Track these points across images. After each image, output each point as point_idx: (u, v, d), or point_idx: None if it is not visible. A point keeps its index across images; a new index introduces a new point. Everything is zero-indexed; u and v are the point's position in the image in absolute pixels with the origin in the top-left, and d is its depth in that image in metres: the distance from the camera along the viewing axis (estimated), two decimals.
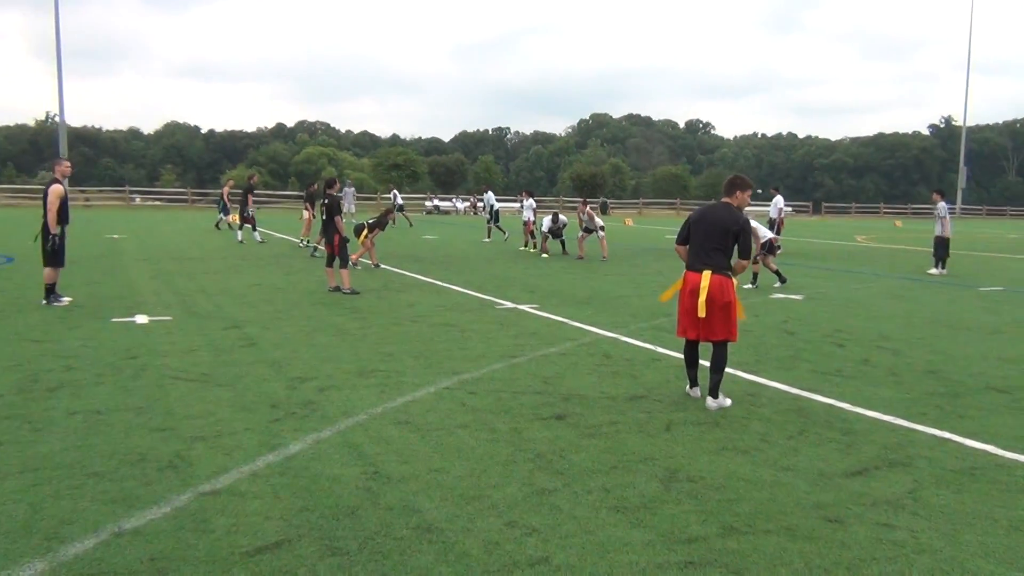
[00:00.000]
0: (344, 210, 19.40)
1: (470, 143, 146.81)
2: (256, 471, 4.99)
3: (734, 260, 6.77)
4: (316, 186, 24.46)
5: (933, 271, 18.83)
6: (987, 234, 43.95)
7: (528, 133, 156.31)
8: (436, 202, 60.14)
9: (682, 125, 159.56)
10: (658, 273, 17.92)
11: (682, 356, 7.24)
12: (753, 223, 15.22)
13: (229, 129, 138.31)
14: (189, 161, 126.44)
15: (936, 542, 4.19)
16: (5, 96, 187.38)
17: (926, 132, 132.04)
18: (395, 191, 30.64)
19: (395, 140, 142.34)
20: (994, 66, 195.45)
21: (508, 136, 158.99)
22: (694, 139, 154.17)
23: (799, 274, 17.64)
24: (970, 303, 13.84)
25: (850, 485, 4.98)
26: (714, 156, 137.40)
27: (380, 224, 17.12)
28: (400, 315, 11.06)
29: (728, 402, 6.72)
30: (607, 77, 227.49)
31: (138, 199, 60.09)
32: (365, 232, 16.54)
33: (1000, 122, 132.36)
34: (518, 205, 31.48)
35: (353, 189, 39.33)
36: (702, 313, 6.54)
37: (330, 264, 13.38)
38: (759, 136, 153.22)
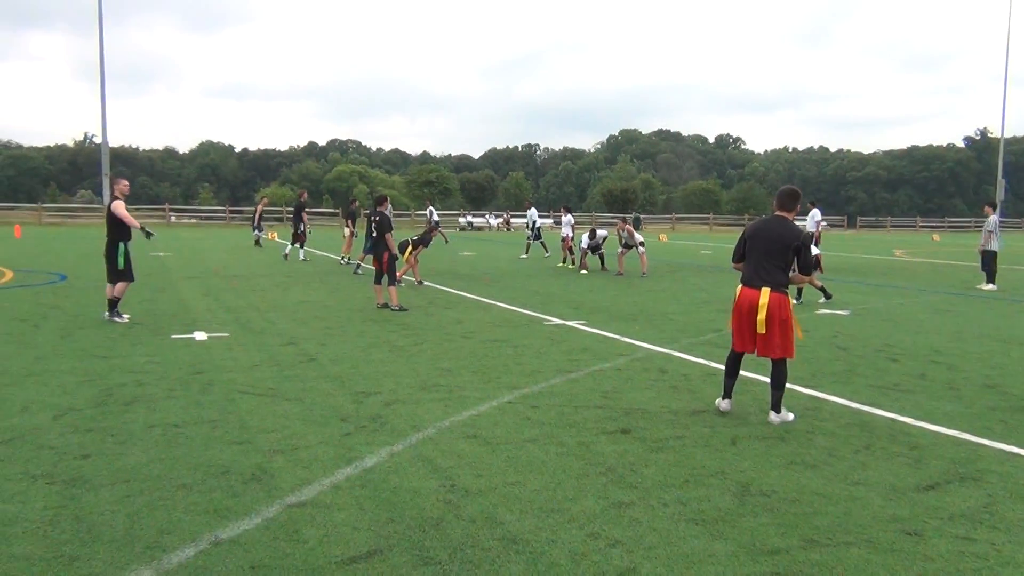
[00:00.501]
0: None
1: (499, 160, 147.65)
2: (337, 484, 5.13)
3: (792, 274, 6.80)
4: (357, 203, 24.81)
5: (986, 287, 18.57)
6: None
7: (557, 149, 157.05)
8: (469, 218, 60.52)
9: (712, 140, 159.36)
10: (699, 288, 17.93)
11: (740, 372, 7.23)
12: None
13: (263, 148, 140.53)
14: (223, 179, 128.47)
15: (1019, 555, 4.22)
16: (46, 117, 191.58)
17: (961, 144, 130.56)
18: (431, 207, 30.89)
19: (425, 157, 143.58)
20: None
21: (537, 152, 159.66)
22: (724, 154, 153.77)
23: (842, 289, 17.56)
24: (1020, 318, 13.71)
25: (924, 499, 5.01)
26: (744, 171, 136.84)
27: (424, 241, 17.31)
28: (451, 331, 11.20)
29: (791, 416, 6.76)
30: (636, 93, 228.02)
31: (173, 217, 61.08)
32: (409, 249, 16.73)
33: None
34: (550, 221, 31.61)
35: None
36: (762, 330, 6.56)
37: (378, 281, 13.57)
38: (790, 150, 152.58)
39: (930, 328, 12.22)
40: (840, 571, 4.01)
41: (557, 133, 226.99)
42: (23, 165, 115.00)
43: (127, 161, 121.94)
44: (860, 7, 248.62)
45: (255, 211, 33.97)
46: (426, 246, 17.53)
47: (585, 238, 21.87)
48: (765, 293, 6.56)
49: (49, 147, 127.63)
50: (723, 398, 7.01)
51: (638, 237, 21.17)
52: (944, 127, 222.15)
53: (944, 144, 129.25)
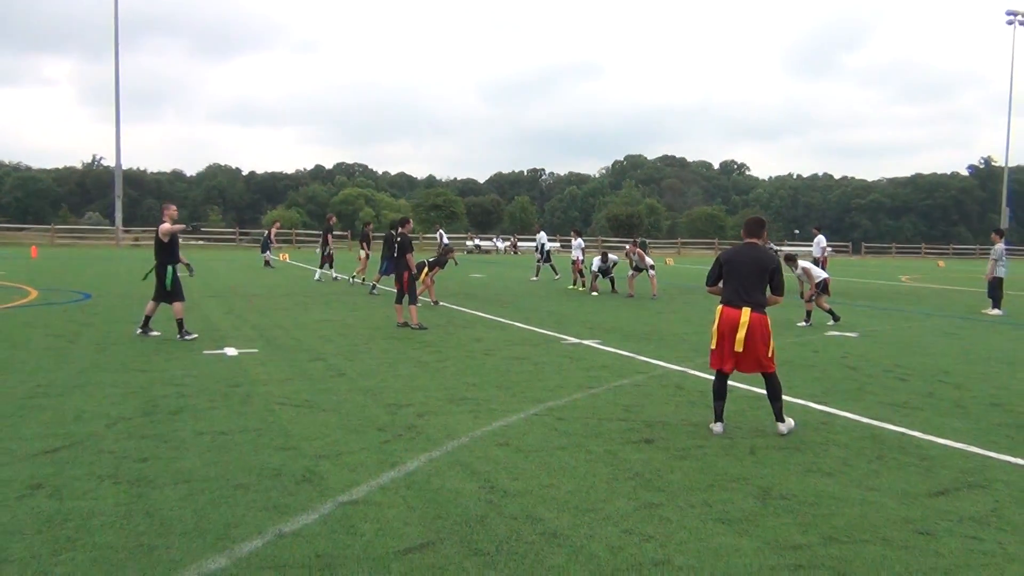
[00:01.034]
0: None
1: (505, 184, 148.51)
2: (383, 485, 5.48)
3: (769, 296, 7.15)
4: (371, 226, 25.37)
5: (992, 312, 18.89)
6: None
7: (563, 174, 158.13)
8: (477, 242, 61.06)
9: (716, 166, 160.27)
10: (708, 311, 18.15)
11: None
12: (805, 263, 15.60)
13: (269, 171, 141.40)
14: (230, 202, 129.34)
15: (1023, 553, 4.55)
16: (54, 140, 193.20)
17: (965, 173, 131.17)
18: (441, 231, 31.39)
19: (431, 181, 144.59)
20: None
21: (543, 177, 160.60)
22: (728, 180, 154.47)
23: (851, 312, 17.90)
24: None
25: (935, 504, 5.34)
26: (749, 197, 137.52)
27: (440, 263, 17.72)
28: (471, 349, 11.56)
29: (793, 423, 7.16)
30: (641, 119, 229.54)
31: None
32: (426, 271, 17.12)
33: None
34: (557, 244, 32.00)
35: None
36: (739, 348, 6.91)
37: (399, 301, 13.95)
38: (795, 177, 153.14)
39: (937, 350, 12.55)
40: (858, 565, 4.34)
41: (562, 158, 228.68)
42: (31, 187, 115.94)
43: (135, 183, 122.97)
44: (865, 35, 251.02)
45: (268, 233, 34.54)
46: (442, 267, 17.93)
47: (597, 261, 22.26)
48: (746, 312, 6.93)
49: (57, 169, 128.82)
50: (715, 421, 7.19)
51: (648, 260, 21.57)
52: (948, 155, 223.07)
53: (948, 172, 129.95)
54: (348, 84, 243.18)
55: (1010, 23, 67.04)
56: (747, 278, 7.04)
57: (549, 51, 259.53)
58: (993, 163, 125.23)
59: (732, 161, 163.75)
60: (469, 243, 61.03)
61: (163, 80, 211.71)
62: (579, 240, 25.13)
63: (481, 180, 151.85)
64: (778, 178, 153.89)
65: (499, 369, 9.97)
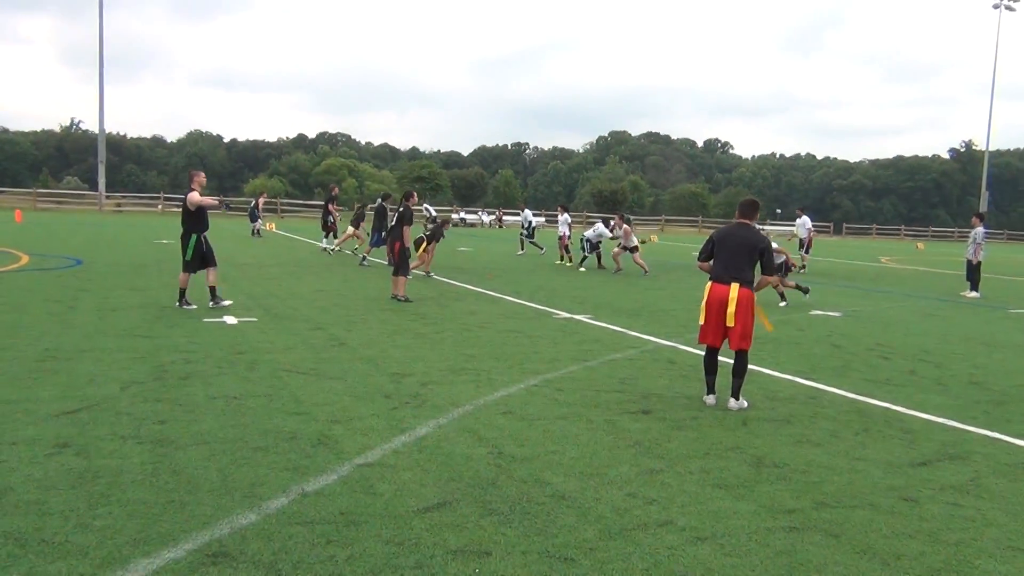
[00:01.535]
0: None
1: (489, 157, 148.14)
2: (396, 449, 5.73)
3: (761, 277, 7.44)
4: (359, 205, 25.67)
5: (970, 294, 19.35)
6: (1010, 258, 44.42)
7: (547, 149, 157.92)
8: (463, 215, 61.11)
9: (700, 144, 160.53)
10: (696, 288, 18.54)
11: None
12: (773, 244, 15.97)
13: (251, 139, 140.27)
14: (211, 169, 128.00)
15: (1001, 518, 4.89)
16: (31, 102, 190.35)
17: (946, 156, 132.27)
18: (427, 204, 31.48)
19: (415, 153, 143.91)
20: (1015, 91, 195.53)
21: (527, 151, 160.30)
22: (712, 158, 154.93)
23: (833, 293, 18.30)
24: (1002, 324, 14.47)
25: (918, 473, 5.67)
26: (732, 175, 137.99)
27: (436, 236, 17.93)
28: (467, 322, 11.80)
29: (746, 404, 7.36)
30: (626, 95, 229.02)
31: (160, 206, 60.95)
32: (424, 244, 17.35)
33: (1021, 147, 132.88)
34: (543, 219, 32.20)
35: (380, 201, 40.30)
36: (731, 323, 7.18)
37: (404, 273, 14.06)
38: (777, 156, 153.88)
39: (918, 330, 12.94)
40: (848, 528, 4.65)
41: (547, 132, 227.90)
42: (10, 150, 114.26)
43: (115, 148, 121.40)
44: (850, 16, 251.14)
45: (256, 203, 34.54)
46: (438, 240, 18.15)
47: (591, 233, 22.55)
48: (735, 288, 7.18)
49: (36, 132, 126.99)
50: (708, 394, 7.52)
51: (634, 240, 21.83)
52: (930, 138, 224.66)
53: (929, 155, 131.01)
54: (331, 52, 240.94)
55: (996, 7, 67.52)
56: (737, 256, 7.29)
57: (536, 25, 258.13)
58: (974, 147, 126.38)
59: (716, 139, 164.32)
60: (455, 216, 61.06)
61: (144, 43, 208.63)
62: (565, 215, 25.36)
63: (465, 153, 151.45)
64: (761, 157, 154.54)
65: (495, 341, 10.23)
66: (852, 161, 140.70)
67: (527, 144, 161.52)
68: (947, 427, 6.96)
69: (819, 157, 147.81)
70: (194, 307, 11.83)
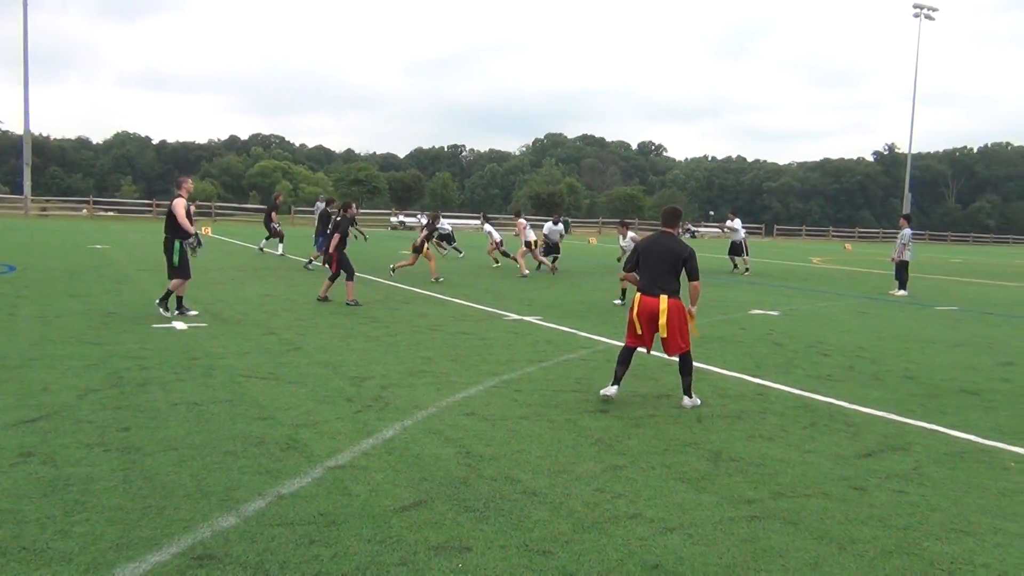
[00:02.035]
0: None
1: (425, 159, 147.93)
2: (366, 451, 5.82)
3: (690, 285, 7.62)
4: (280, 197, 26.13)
5: (898, 293, 20.13)
6: (933, 258, 46.21)
7: (483, 151, 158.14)
8: (402, 218, 60.89)
9: (635, 146, 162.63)
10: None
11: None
12: (634, 234, 16.80)
13: (181, 140, 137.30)
14: (139, 171, 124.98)
15: (943, 503, 5.22)
16: None
17: (870, 159, 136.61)
18: (352, 205, 31.36)
19: (350, 155, 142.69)
20: (935, 97, 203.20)
21: (463, 153, 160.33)
22: (646, 160, 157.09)
23: (770, 293, 18.87)
24: (931, 321, 15.15)
25: (864, 464, 5.99)
26: (666, 177, 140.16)
27: (429, 237, 18.58)
28: (418, 325, 11.89)
29: (699, 401, 7.61)
30: (562, 97, 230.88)
31: (85, 210, 59.22)
32: (427, 247, 17.93)
33: (940, 150, 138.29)
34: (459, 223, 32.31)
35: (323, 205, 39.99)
36: (664, 333, 7.38)
37: (350, 278, 13.97)
38: (709, 159, 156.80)
39: (853, 328, 13.47)
40: (805, 515, 4.92)
41: (483, 135, 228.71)
42: None
43: (38, 150, 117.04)
44: (778, 23, 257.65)
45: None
46: (429, 241, 18.75)
47: (548, 227, 22.97)
48: (663, 300, 7.39)
49: None
50: (612, 384, 7.61)
51: (530, 236, 22.21)
52: (855, 141, 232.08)
53: (855, 158, 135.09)
54: (265, 52, 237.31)
55: (916, 15, 70.07)
56: (661, 265, 7.45)
57: (471, 27, 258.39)
58: (897, 150, 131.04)
59: (650, 142, 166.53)
60: (393, 219, 60.84)
61: (68, 41, 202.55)
62: (488, 226, 25.94)
63: (401, 155, 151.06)
64: (694, 159, 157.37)
65: (449, 344, 10.34)
66: (781, 163, 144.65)
67: (463, 146, 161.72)
68: (888, 420, 7.34)
69: (749, 160, 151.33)
70: (195, 313, 11.72)
